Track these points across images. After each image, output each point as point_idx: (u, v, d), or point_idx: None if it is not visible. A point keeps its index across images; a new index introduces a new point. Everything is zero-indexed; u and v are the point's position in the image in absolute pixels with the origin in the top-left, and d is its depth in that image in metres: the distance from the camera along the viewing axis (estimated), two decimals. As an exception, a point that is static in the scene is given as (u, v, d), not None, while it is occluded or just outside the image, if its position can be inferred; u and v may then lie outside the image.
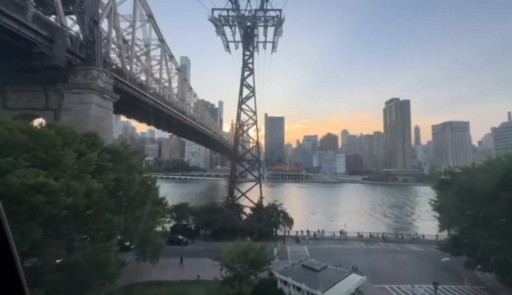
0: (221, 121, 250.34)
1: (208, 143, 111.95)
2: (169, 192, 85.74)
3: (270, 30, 31.10)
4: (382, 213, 58.39)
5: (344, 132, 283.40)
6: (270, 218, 25.17)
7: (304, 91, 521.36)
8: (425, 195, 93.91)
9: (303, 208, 60.42)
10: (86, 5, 29.72)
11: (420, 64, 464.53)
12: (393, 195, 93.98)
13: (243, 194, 27.63)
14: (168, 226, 28.12)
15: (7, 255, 0.89)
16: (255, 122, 30.59)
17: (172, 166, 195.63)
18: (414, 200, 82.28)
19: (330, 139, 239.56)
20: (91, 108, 27.55)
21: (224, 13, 27.30)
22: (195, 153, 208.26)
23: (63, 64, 25.27)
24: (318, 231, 29.86)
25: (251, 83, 29.81)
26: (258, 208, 26.29)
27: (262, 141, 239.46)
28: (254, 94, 29.60)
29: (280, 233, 26.35)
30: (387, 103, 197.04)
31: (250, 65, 29.81)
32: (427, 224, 42.53)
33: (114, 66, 36.41)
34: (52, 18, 29.54)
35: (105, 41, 37.41)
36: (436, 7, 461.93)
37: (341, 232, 29.46)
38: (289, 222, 26.75)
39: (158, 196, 22.77)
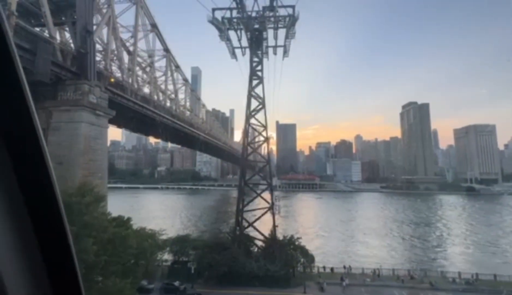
0: (232, 129, 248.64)
1: (217, 154, 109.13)
2: (177, 205, 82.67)
3: (281, 32, 27.45)
4: (412, 234, 49.13)
5: (358, 137, 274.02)
6: (286, 258, 20.82)
7: (314, 95, 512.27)
8: (455, 207, 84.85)
9: (319, 225, 54.09)
10: (78, 14, 27.23)
11: (435, 65, 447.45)
12: (418, 207, 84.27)
13: (251, 225, 23.43)
14: (166, 261, 24.41)
15: (68, 259, 0.99)
16: (267, 140, 26.53)
17: (183, 176, 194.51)
18: (444, 214, 72.30)
19: (344, 146, 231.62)
20: (80, 127, 24.55)
21: (228, 14, 23.86)
22: (206, 162, 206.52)
23: (47, 79, 22.49)
24: (344, 267, 24.95)
25: (260, 94, 26.07)
26: (271, 243, 21.95)
27: (274, 148, 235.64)
28: (264, 107, 25.70)
29: (298, 271, 21.89)
30: (404, 107, 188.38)
31: (259, 73, 26.03)
32: (475, 255, 36.30)
33: (112, 80, 33.83)
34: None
35: (103, 52, 35.07)
36: (450, 4, 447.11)
37: (374, 272, 24.25)
38: (309, 260, 22.27)
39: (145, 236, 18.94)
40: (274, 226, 23.61)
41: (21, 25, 22.16)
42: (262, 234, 22.87)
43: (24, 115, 0.85)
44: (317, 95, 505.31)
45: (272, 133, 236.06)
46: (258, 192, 26.91)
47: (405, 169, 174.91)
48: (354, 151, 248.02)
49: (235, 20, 24.32)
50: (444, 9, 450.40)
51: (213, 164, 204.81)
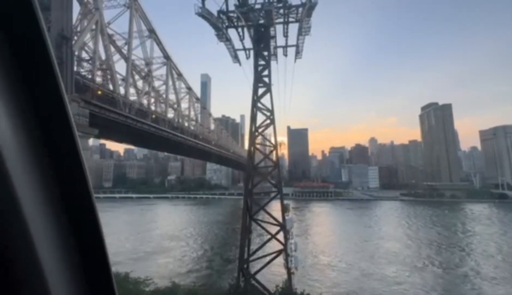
0: (242, 136, 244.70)
1: (225, 163, 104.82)
2: (183, 220, 77.88)
3: (292, 29, 22.39)
4: (457, 264, 38.25)
5: (372, 140, 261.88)
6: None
7: (324, 97, 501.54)
8: (490, 219, 73.72)
9: (336, 249, 45.82)
10: (53, 18, 23.28)
11: (451, 64, 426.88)
12: (449, 221, 72.72)
13: (252, 278, 17.82)
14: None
15: (101, 257, 1.03)
16: (277, 165, 21.14)
17: (194, 185, 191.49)
18: (484, 231, 59.41)
19: (359, 150, 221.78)
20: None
21: (225, 6, 19.03)
22: (216, 170, 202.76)
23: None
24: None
25: (268, 104, 20.95)
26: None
27: (285, 153, 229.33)
28: (273, 121, 20.51)
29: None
30: (423, 108, 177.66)
31: (266, 80, 20.94)
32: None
33: (99, 92, 29.81)
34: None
35: (90, 61, 31.21)
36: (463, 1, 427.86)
37: None
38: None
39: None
40: (289, 274, 18.03)
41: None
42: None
43: (60, 112, 0.89)
44: (328, 97, 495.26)
45: (283, 138, 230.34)
46: (266, 201, 21.95)
47: (427, 174, 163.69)
48: (369, 155, 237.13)
49: (233, 14, 19.48)
50: (457, 7, 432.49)
51: (223, 171, 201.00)
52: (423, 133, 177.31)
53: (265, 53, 21.18)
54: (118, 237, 51.26)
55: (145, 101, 42.45)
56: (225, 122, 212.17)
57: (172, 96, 51.76)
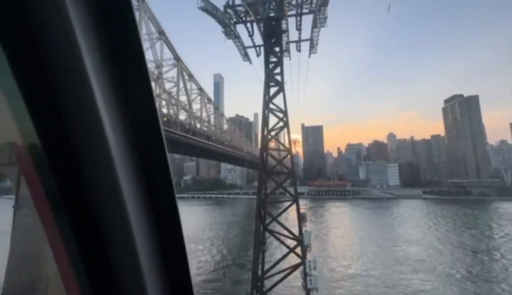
0: (256, 135, 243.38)
1: (239, 163, 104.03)
2: (198, 221, 77.63)
3: (306, 21, 20.54)
4: None
5: (391, 136, 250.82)
6: None
7: (339, 92, 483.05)
8: None
9: (358, 259, 41.50)
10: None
11: (476, 52, 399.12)
12: (482, 222, 65.36)
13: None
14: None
15: (180, 253, 1.07)
16: (292, 173, 19.43)
17: (209, 184, 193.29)
18: None
19: (377, 146, 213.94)
20: (56, 161, 19.73)
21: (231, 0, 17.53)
22: (231, 169, 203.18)
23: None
24: None
25: (281, 105, 19.30)
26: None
27: (300, 150, 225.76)
28: (287, 124, 18.83)
29: None
30: (447, 101, 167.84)
31: (278, 78, 19.29)
32: None
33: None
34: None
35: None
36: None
37: None
38: None
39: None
40: None
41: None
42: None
43: (151, 114, 0.94)
44: (344, 92, 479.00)
45: (297, 136, 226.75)
46: (281, 209, 20.30)
47: (452, 171, 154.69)
48: (387, 151, 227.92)
49: (241, 8, 17.95)
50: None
51: (237, 171, 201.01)
52: (447, 128, 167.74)
53: (277, 49, 19.48)
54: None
55: (156, 104, 41.92)
56: (239, 122, 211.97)
57: (183, 98, 51.23)
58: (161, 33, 42.20)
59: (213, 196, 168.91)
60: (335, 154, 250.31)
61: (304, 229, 18.07)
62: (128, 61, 0.88)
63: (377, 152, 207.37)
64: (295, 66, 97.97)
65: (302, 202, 21.58)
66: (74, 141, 0.86)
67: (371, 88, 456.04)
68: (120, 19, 0.84)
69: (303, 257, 15.51)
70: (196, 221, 78.56)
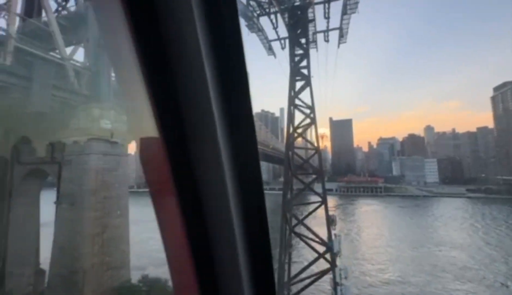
0: (282, 129, 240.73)
1: (265, 159, 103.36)
2: None
3: (334, 8, 18.89)
4: None
5: (428, 129, 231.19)
6: None
7: (370, 84, 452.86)
8: None
9: (391, 262, 37.47)
10: (91, 28, 23.88)
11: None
12: None
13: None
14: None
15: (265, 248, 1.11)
16: (321, 173, 18.24)
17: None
18: None
19: (413, 140, 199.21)
20: (89, 160, 20.77)
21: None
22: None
23: (45, 108, 19.20)
24: None
25: (307, 100, 18.09)
26: None
27: (328, 145, 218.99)
28: (314, 120, 17.61)
29: None
30: (497, 89, 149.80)
31: (305, 71, 18.07)
32: None
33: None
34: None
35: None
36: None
37: None
38: None
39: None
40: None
41: (20, 48, 19.34)
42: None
43: (247, 118, 1.00)
44: (375, 83, 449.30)
45: (325, 130, 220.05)
46: (308, 209, 19.18)
47: (502, 167, 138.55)
48: (425, 145, 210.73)
49: (264, -1, 16.98)
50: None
51: (263, 166, 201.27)
52: (496, 118, 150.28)
53: (303, 40, 18.22)
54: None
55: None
56: (265, 117, 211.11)
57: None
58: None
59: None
60: (365, 149, 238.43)
61: (333, 232, 16.89)
62: (232, 70, 0.94)
63: (413, 146, 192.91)
64: (323, 57, 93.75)
65: (330, 200, 20.23)
66: (190, 138, 0.94)
67: (404, 78, 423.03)
68: (228, 31, 0.91)
69: (332, 264, 14.41)
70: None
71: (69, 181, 21.00)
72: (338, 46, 22.60)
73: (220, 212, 1.00)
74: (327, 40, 22.33)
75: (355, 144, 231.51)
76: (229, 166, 0.98)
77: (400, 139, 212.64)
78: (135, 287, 20.88)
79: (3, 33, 18.76)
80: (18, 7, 24.76)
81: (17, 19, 22.20)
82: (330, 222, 16.80)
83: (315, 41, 21.34)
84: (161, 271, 30.00)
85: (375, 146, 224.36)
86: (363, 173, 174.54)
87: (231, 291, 1.06)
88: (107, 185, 21.45)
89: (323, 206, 17.34)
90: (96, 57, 23.20)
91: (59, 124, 21.96)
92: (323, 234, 18.00)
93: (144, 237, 47.07)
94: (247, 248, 1.05)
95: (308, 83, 17.90)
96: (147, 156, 1.04)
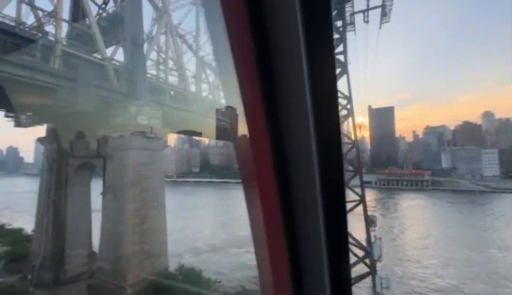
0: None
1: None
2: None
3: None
4: None
5: (487, 115, 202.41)
6: None
7: (416, 67, 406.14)
8: None
9: (439, 265, 33.24)
10: (126, 28, 24.85)
11: None
12: None
13: None
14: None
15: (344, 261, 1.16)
16: (359, 171, 16.65)
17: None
18: None
19: (468, 129, 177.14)
20: (128, 155, 21.95)
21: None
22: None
23: (90, 108, 20.56)
24: None
25: (344, 90, 16.48)
26: None
27: (366, 135, 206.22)
28: (352, 112, 16.01)
29: None
30: None
31: (340, 58, 16.41)
32: None
33: (172, 92, 31.29)
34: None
35: (162, 62, 32.94)
36: None
37: None
38: None
39: None
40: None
41: (67, 52, 20.88)
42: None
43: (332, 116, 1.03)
44: (419, 67, 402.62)
45: (363, 119, 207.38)
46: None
47: None
48: (482, 134, 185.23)
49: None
50: None
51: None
52: None
53: (339, 23, 16.50)
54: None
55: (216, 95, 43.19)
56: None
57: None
58: (218, 24, 42.56)
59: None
60: (409, 138, 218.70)
61: (372, 234, 15.43)
62: (323, 71, 0.97)
63: (468, 135, 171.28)
64: (361, 41, 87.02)
65: (368, 194, 18.38)
66: (286, 135, 0.99)
67: (457, 59, 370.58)
68: (321, 31, 0.93)
69: (372, 270, 13.12)
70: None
71: (112, 174, 22.58)
72: (380, 27, 20.22)
73: (308, 209, 1.05)
74: (366, 21, 20.06)
75: (397, 134, 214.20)
76: (318, 167, 1.00)
77: (452, 127, 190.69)
78: (172, 275, 21.93)
79: (52, 38, 20.43)
80: (66, 13, 26.90)
81: (64, 24, 24.09)
82: (370, 222, 15.36)
83: (352, 23, 19.29)
84: (197, 259, 31.31)
85: (420, 136, 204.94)
86: (406, 165, 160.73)
87: (314, 285, 1.10)
88: (144, 178, 22.60)
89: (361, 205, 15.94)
90: (132, 55, 24.19)
91: (103, 121, 23.59)
92: (362, 231, 16.56)
93: (181, 225, 49.86)
94: (329, 245, 1.08)
95: (344, 70, 16.26)
96: (242, 153, 1.12)
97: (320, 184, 1.02)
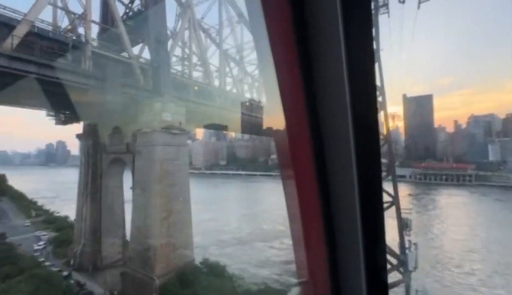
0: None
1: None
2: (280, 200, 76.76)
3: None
4: None
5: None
6: None
7: (459, 49, 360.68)
8: None
9: (487, 274, 29.35)
10: (150, 26, 25.21)
11: None
12: None
13: None
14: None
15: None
16: (392, 169, 15.13)
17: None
18: None
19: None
20: (154, 151, 22.54)
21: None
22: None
23: (117, 106, 21.30)
24: None
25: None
26: None
27: (400, 125, 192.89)
28: (384, 104, 14.38)
29: None
30: None
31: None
32: None
33: (196, 87, 31.48)
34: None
35: (186, 58, 33.17)
36: None
37: None
38: None
39: None
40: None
41: (96, 53, 21.74)
42: None
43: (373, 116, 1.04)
44: (464, 48, 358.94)
45: (397, 108, 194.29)
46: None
47: None
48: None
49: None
50: None
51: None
52: None
53: (371, 3, 14.82)
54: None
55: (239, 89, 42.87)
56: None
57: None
58: (241, 15, 41.68)
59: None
60: (450, 128, 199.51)
61: (407, 239, 13.98)
62: (363, 73, 0.98)
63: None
64: (396, 23, 79.55)
65: (402, 189, 16.44)
66: (324, 131, 1.01)
67: (509, 39, 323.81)
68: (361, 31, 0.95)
69: (406, 282, 11.82)
70: (282, 199, 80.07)
71: (140, 169, 23.50)
72: (419, 6, 17.92)
73: (345, 207, 1.06)
74: (402, 1, 17.90)
75: (436, 124, 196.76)
76: (356, 165, 1.01)
77: (502, 116, 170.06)
78: (197, 268, 22.43)
79: (83, 40, 21.42)
80: (97, 15, 28.09)
81: (94, 26, 25.13)
82: (404, 226, 13.94)
83: (386, 5, 17.35)
84: (222, 252, 31.78)
85: (463, 125, 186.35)
86: (446, 158, 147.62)
87: (350, 279, 1.12)
88: (170, 173, 23.18)
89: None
90: (156, 52, 24.58)
91: (131, 118, 24.50)
92: (393, 231, 15.12)
93: (208, 217, 51.15)
94: (366, 248, 1.09)
95: (376, 58, 14.67)
96: (281, 148, 1.14)
97: (357, 182, 1.03)
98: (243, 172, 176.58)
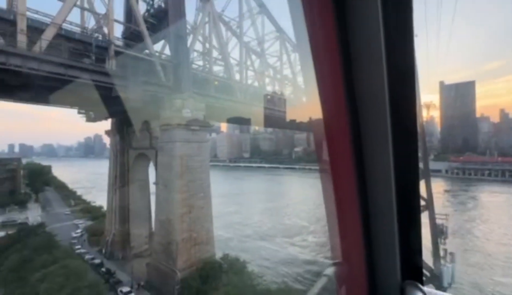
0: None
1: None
2: (305, 194, 73.60)
3: None
4: None
5: None
6: None
7: (508, 30, 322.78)
8: None
9: None
10: (170, 21, 25.19)
11: None
12: None
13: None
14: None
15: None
16: (426, 168, 13.58)
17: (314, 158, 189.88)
18: None
19: None
20: (175, 147, 22.82)
21: None
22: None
23: (138, 103, 21.71)
24: None
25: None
26: None
27: (436, 115, 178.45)
28: (417, 93, 13.07)
29: None
30: None
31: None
32: None
33: (216, 82, 31.24)
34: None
35: (207, 53, 32.94)
36: None
37: None
38: None
39: None
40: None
41: (119, 52, 22.24)
42: None
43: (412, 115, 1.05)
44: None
45: (432, 97, 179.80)
46: None
47: None
48: None
49: None
50: None
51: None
52: None
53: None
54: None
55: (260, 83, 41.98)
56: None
57: (288, 71, 48.90)
58: (262, 6, 40.40)
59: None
60: (495, 119, 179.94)
61: (442, 247, 12.50)
62: (403, 76, 0.99)
63: None
64: (433, 5, 72.16)
65: (436, 184, 14.70)
66: (363, 130, 1.03)
67: None
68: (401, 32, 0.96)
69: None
70: (306, 193, 78.06)
71: (162, 165, 24.06)
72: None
73: (382, 205, 1.08)
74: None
75: (477, 114, 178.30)
76: (393, 165, 1.03)
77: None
78: (217, 263, 22.63)
79: (107, 39, 22.03)
80: (120, 14, 28.78)
81: (116, 25, 25.76)
82: (438, 233, 12.48)
83: (422, -17, 15.29)
84: (243, 246, 31.87)
85: (511, 115, 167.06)
86: (490, 151, 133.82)
87: (385, 267, 1.15)
88: (190, 169, 23.42)
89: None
90: (176, 49, 24.61)
91: (153, 115, 25.04)
92: (425, 238, 13.70)
93: (231, 210, 51.77)
94: (401, 250, 1.12)
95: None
96: (319, 144, 1.16)
97: (395, 181, 1.04)
98: (267, 165, 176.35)
